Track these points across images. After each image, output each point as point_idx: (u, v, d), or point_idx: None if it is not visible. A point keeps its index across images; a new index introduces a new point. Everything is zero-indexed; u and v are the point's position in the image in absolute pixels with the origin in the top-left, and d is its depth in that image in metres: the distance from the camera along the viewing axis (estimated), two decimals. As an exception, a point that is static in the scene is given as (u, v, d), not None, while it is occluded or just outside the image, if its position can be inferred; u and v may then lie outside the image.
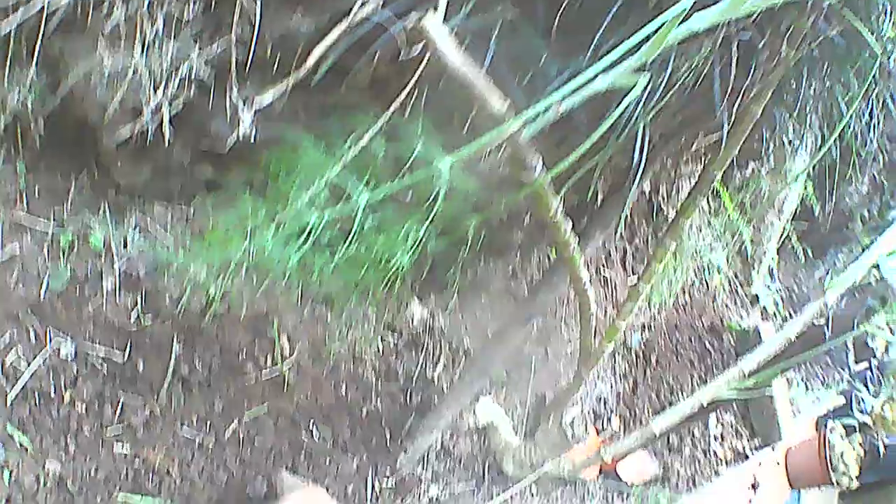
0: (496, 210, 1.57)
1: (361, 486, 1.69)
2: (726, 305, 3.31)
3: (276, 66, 1.28)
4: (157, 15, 1.21)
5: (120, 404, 1.42)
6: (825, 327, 1.96)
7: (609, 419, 2.48)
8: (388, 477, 1.75)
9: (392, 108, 1.18)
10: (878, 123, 2.96)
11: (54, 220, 1.43)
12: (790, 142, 2.90)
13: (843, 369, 4.13)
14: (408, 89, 1.16)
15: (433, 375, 1.94)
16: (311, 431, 1.65)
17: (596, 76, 0.95)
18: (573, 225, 1.27)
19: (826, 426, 3.19)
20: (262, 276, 1.58)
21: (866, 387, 3.87)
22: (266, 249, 1.21)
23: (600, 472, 2.36)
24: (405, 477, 1.79)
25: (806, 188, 3.31)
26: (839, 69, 1.71)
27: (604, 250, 2.45)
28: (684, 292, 3.12)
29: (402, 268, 1.68)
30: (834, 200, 3.50)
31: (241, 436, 1.55)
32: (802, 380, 3.86)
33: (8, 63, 1.21)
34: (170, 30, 1.23)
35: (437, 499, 1.88)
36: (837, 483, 3.00)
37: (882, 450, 3.14)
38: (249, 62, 1.28)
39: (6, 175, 1.38)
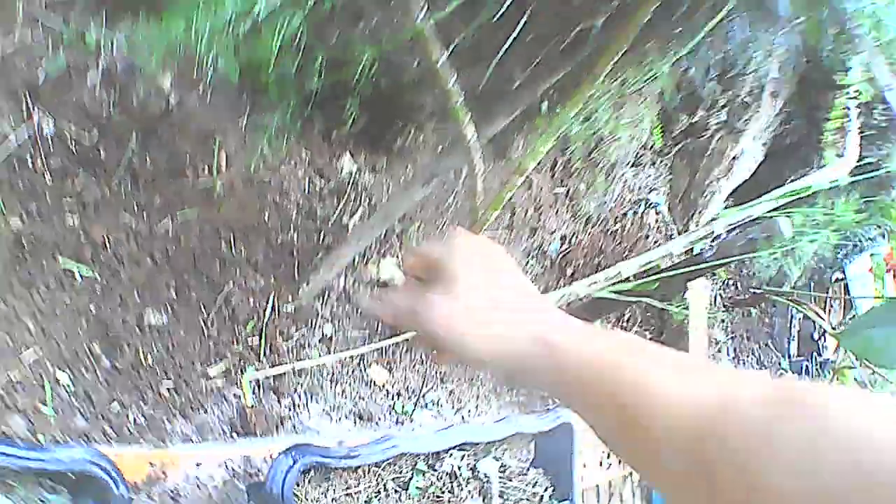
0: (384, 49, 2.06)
1: (263, 303, 2.35)
2: (658, 245, 3.85)
3: None
4: None
5: (79, 182, 2.10)
6: (707, 251, 2.66)
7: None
8: (288, 302, 2.42)
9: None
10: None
11: (62, 19, 2.10)
12: (744, 100, 3.59)
13: (784, 356, 4.97)
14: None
15: (348, 223, 2.61)
16: (230, 244, 2.30)
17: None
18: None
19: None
20: (215, 88, 2.32)
21: (800, 375, 4.69)
22: (210, 31, 1.85)
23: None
24: (304, 307, 2.46)
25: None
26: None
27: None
28: (617, 221, 3.81)
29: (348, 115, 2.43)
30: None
31: (171, 233, 2.23)
32: (735, 350, 4.68)
33: None
34: None
35: (330, 337, 2.55)
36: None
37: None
38: None
39: (31, -24, 2.10)
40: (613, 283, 2.59)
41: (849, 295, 4.81)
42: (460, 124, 1.90)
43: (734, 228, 2.83)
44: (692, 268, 2.63)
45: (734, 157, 3.92)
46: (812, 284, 4.86)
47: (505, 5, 1.78)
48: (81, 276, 2.07)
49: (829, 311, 5.00)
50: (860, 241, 4.40)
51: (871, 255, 4.62)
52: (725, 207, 4.10)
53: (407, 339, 2.68)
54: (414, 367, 2.84)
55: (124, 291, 2.14)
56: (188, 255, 2.28)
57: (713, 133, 3.82)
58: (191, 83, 2.28)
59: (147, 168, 2.22)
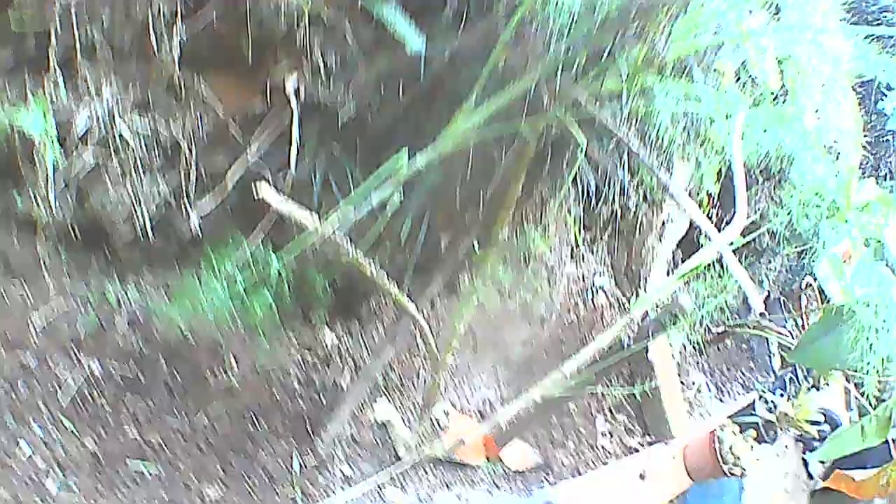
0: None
1: (289, 462, 3.00)
2: (615, 321, 3.87)
3: (209, 186, 2.69)
4: (137, 163, 2.62)
5: (130, 403, 2.78)
6: (626, 338, 3.16)
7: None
8: (310, 456, 3.05)
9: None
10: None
11: (85, 285, 2.82)
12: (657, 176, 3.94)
13: (768, 373, 5.19)
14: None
15: (341, 383, 3.24)
16: (254, 422, 2.96)
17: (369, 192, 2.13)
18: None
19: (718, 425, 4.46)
20: (216, 319, 2.99)
21: (785, 389, 4.94)
22: (213, 299, 2.56)
23: (487, 459, 3.61)
24: (324, 457, 3.07)
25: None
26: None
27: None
28: (570, 312, 4.26)
29: (315, 307, 3.11)
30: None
31: (207, 425, 2.89)
32: (715, 385, 5.00)
33: (55, 197, 2.66)
34: (145, 171, 2.66)
35: (349, 476, 3.16)
36: (731, 473, 4.16)
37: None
38: (194, 184, 2.71)
39: (56, 260, 2.75)
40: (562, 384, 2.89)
41: (826, 298, 4.79)
42: (403, 305, 2.53)
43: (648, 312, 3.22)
44: (616, 356, 2.99)
45: (663, 223, 4.25)
46: (782, 299, 5.14)
47: (408, 221, 2.46)
48: (149, 472, 2.74)
49: (808, 318, 5.16)
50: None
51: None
52: (674, 259, 4.44)
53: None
54: (421, 482, 3.44)
55: (184, 477, 2.80)
56: (225, 439, 2.94)
57: (636, 210, 4.12)
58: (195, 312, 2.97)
59: (178, 381, 2.91)
